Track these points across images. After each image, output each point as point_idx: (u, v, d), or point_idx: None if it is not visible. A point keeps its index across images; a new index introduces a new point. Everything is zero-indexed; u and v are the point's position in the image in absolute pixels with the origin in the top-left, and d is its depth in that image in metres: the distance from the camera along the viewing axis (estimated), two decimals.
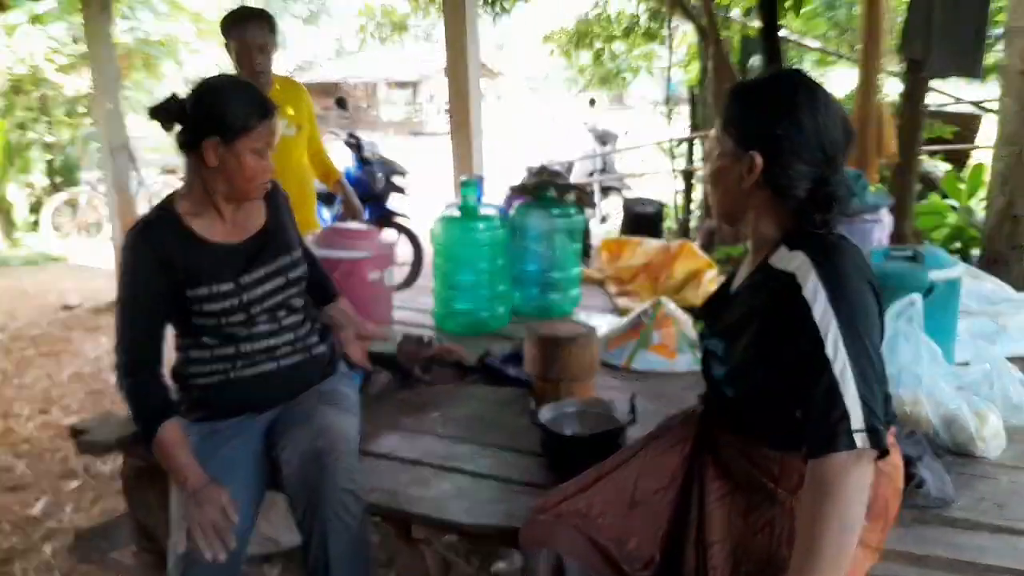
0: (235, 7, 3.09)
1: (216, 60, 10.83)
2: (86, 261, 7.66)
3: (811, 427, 1.21)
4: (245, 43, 2.89)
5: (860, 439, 1.16)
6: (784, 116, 1.30)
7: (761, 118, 1.33)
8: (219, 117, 1.72)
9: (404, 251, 5.09)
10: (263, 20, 2.95)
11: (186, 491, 1.69)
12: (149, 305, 1.77)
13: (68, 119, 9.59)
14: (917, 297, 2.08)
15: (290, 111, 3.08)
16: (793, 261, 1.28)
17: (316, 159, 3.29)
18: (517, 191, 3.48)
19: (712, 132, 1.45)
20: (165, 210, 1.82)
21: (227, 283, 1.80)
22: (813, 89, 1.33)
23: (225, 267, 1.81)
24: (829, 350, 1.19)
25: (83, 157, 9.55)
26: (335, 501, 1.67)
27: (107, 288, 6.36)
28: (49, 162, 9.45)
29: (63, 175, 9.64)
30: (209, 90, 1.77)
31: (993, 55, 5.02)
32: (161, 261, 1.75)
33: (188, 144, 1.76)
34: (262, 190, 1.84)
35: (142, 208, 8.50)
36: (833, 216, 1.31)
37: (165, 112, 1.77)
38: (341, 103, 5.66)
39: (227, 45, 2.95)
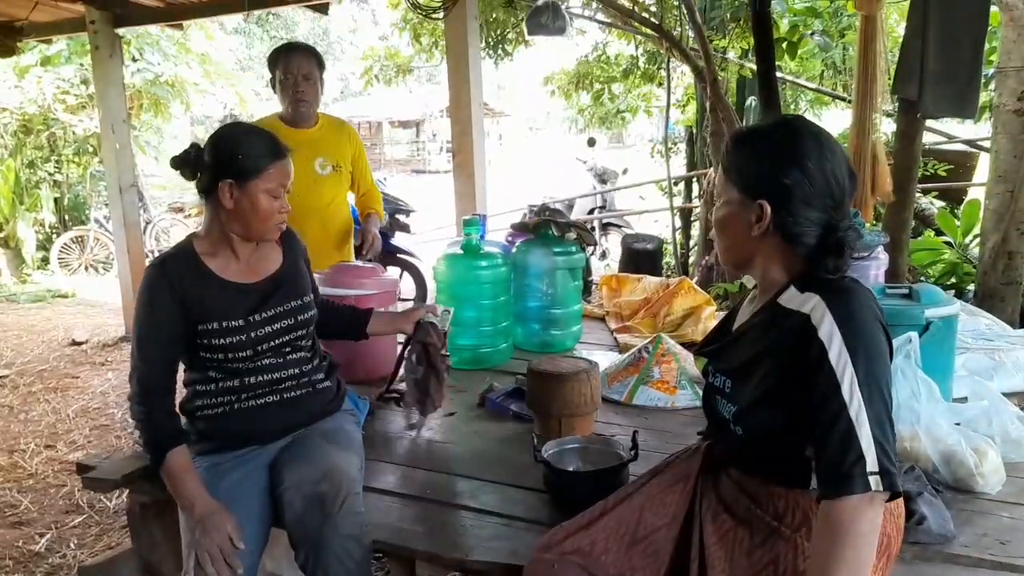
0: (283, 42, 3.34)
1: (224, 100, 10.99)
2: (94, 298, 7.72)
3: (826, 469, 1.22)
4: (290, 70, 3.00)
5: (874, 482, 1.18)
6: (791, 165, 1.32)
7: (768, 167, 1.34)
8: (232, 160, 1.82)
9: (408, 287, 5.15)
10: (309, 51, 3.10)
11: (193, 518, 1.72)
12: (163, 337, 1.83)
13: (76, 158, 9.73)
14: (914, 334, 2.12)
15: (328, 151, 3.19)
16: (807, 303, 1.30)
17: (365, 198, 3.41)
18: (519, 229, 3.53)
19: (715, 176, 1.48)
20: (183, 249, 1.91)
21: (237, 320, 1.86)
22: (818, 135, 1.35)
23: (237, 305, 1.87)
24: (845, 392, 1.21)
25: (91, 195, 9.67)
26: (339, 547, 1.69)
27: (115, 324, 6.41)
28: (57, 200, 9.56)
29: (72, 213, 9.77)
30: (224, 135, 1.88)
31: (986, 94, 5.10)
32: (176, 295, 1.82)
33: (206, 188, 1.86)
34: (277, 231, 1.91)
35: (149, 245, 8.61)
36: (846, 261, 1.33)
37: (184, 161, 1.88)
38: None
39: (272, 78, 3.06)
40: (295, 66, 3.01)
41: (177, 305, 1.82)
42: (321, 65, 3.12)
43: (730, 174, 1.40)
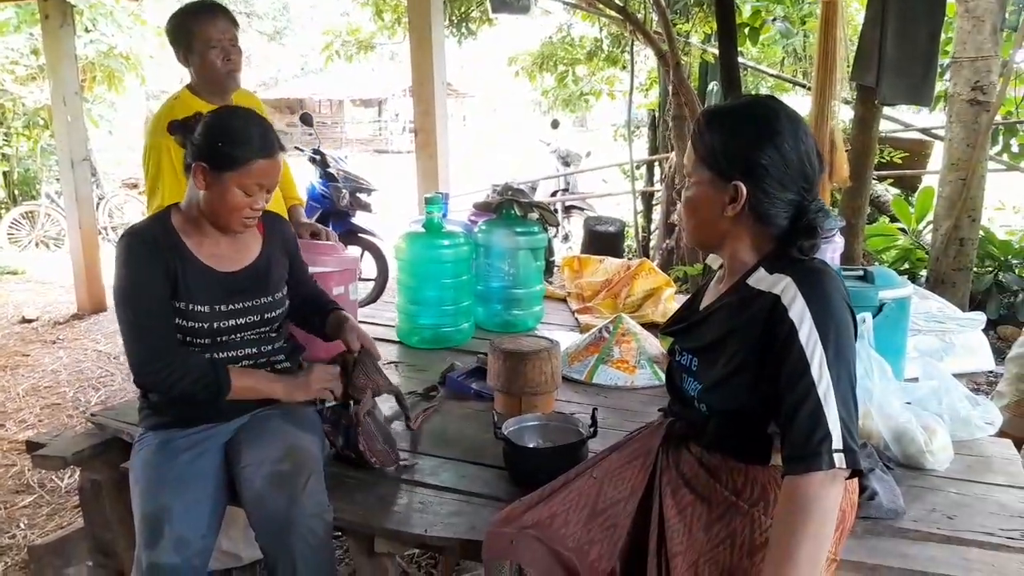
0: (186, 3, 2.65)
1: (180, 74, 10.75)
2: (45, 275, 7.52)
3: (793, 446, 1.24)
4: (216, 36, 2.53)
5: (839, 459, 1.20)
6: (768, 144, 1.31)
7: (743, 146, 1.33)
8: (213, 146, 1.76)
9: (369, 267, 5.10)
10: (227, 12, 2.62)
11: (288, 393, 1.90)
12: (155, 296, 1.78)
13: (27, 131, 9.45)
14: (868, 315, 2.16)
15: None
16: (778, 284, 1.31)
17: (282, 182, 3.06)
18: (481, 208, 3.52)
19: (679, 158, 1.47)
20: (160, 219, 1.87)
21: (202, 306, 1.82)
22: (793, 116, 1.35)
23: (205, 290, 1.83)
24: (815, 372, 1.23)
25: (42, 170, 9.42)
26: (303, 527, 1.67)
27: (66, 302, 6.27)
28: (6, 174, 9.30)
29: (22, 188, 9.51)
30: (218, 118, 1.82)
31: (941, 84, 5.20)
32: (156, 258, 1.78)
33: (186, 164, 1.82)
34: (242, 226, 1.86)
35: (102, 221, 8.42)
36: (818, 242, 1.34)
37: (182, 127, 1.84)
38: (306, 119, 5.65)
39: (187, 46, 2.56)
40: (221, 30, 2.54)
41: (159, 268, 1.78)
42: (236, 24, 2.66)
43: (701, 153, 1.38)
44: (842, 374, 1.24)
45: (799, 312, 1.26)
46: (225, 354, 1.88)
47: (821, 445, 1.21)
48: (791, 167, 1.32)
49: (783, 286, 1.30)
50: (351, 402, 1.97)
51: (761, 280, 1.35)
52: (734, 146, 1.35)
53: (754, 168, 1.32)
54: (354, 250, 4.68)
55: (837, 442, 1.21)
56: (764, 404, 1.32)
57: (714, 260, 1.64)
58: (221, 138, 1.76)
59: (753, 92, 7.90)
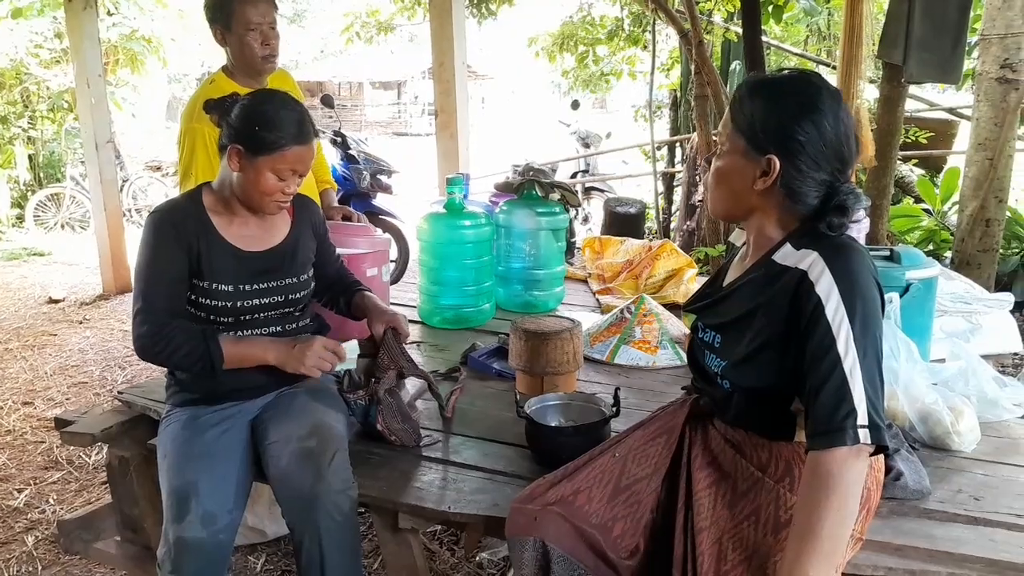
0: None
1: (202, 59, 10.80)
2: (71, 256, 7.62)
3: (818, 421, 1.23)
4: (255, 19, 2.49)
5: (864, 434, 1.20)
6: (808, 120, 1.29)
7: (782, 120, 1.31)
8: (251, 130, 1.77)
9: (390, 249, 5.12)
10: None
11: (281, 361, 1.85)
12: (171, 279, 1.80)
13: (51, 114, 9.54)
14: (894, 295, 2.14)
15: None
16: (804, 259, 1.30)
17: (314, 164, 2.98)
18: (502, 189, 3.51)
19: (720, 126, 1.44)
20: (191, 198, 1.89)
21: (227, 285, 1.84)
22: (835, 95, 1.33)
23: (230, 270, 1.85)
24: (841, 348, 1.22)
25: (67, 153, 9.51)
26: (328, 503, 1.69)
27: (92, 283, 6.35)
28: (32, 157, 9.39)
29: (47, 170, 9.61)
30: (256, 101, 1.83)
31: (969, 62, 5.12)
32: (180, 240, 1.80)
33: (222, 144, 1.83)
34: (275, 209, 1.87)
35: (126, 204, 8.50)
36: (847, 221, 1.32)
37: (219, 105, 1.85)
38: (327, 101, 5.66)
39: (224, 25, 2.52)
40: (261, 13, 2.50)
41: (181, 250, 1.80)
42: (276, 7, 2.62)
43: (739, 123, 1.36)
44: (868, 350, 1.24)
45: (826, 287, 1.26)
46: (249, 332, 1.90)
47: (846, 420, 1.20)
48: (828, 146, 1.31)
49: (810, 261, 1.29)
50: (372, 380, 1.98)
51: (787, 256, 1.34)
52: (773, 119, 1.32)
53: (790, 143, 1.30)
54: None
55: (862, 418, 1.21)
56: (788, 381, 1.32)
57: (738, 237, 1.63)
58: (258, 122, 1.77)
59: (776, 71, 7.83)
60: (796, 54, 7.57)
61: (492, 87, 33.53)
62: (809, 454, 1.24)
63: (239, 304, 1.86)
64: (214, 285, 1.83)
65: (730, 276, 1.51)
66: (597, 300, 3.35)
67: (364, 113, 30.26)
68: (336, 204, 2.98)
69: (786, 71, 1.41)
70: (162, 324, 1.78)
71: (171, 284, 1.81)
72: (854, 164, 1.36)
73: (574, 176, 8.69)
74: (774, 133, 1.32)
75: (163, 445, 1.83)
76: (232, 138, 1.79)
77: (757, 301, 1.37)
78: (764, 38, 5.61)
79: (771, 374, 1.34)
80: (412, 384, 2.15)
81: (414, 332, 2.92)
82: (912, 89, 4.57)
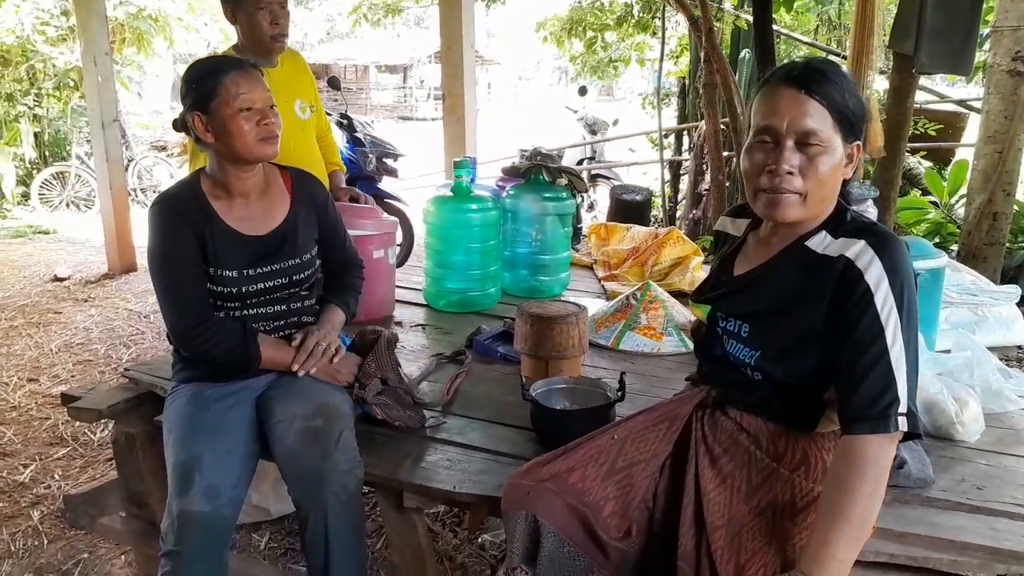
0: None
1: (208, 38, 10.76)
2: (76, 235, 7.63)
3: (860, 407, 1.24)
4: (264, 0, 2.50)
5: (903, 422, 1.23)
6: (863, 111, 1.33)
7: (859, 107, 1.33)
8: (189, 90, 1.78)
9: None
10: None
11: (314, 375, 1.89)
12: (189, 261, 1.81)
13: (57, 92, 9.52)
14: None
15: (301, 90, 2.76)
16: (849, 247, 1.31)
17: (322, 142, 2.96)
18: (509, 173, 3.50)
19: (803, 120, 1.29)
20: (189, 185, 1.89)
21: (231, 271, 1.85)
22: None
23: (233, 255, 1.85)
24: (889, 337, 1.24)
25: (72, 131, 9.50)
26: (335, 482, 1.70)
27: (97, 261, 6.37)
28: (37, 135, 9.39)
29: (52, 149, 9.61)
30: (185, 71, 1.84)
31: (980, 54, 5.08)
32: (187, 226, 1.81)
33: (185, 127, 1.83)
34: (267, 146, 1.82)
35: (132, 183, 8.50)
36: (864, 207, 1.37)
37: (178, 121, 1.87)
38: (333, 83, 5.64)
39: (235, 3, 2.53)
40: None
41: (191, 235, 1.81)
42: None
43: (830, 107, 1.29)
44: (911, 339, 1.26)
45: (876, 277, 1.26)
46: (255, 312, 1.90)
47: (889, 408, 1.22)
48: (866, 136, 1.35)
49: (857, 250, 1.30)
50: (356, 384, 1.97)
51: (826, 244, 1.34)
52: (856, 103, 1.32)
53: (862, 127, 1.33)
54: None
55: (903, 406, 1.23)
56: (826, 370, 1.32)
57: (732, 227, 1.61)
58: (191, 79, 1.79)
59: (785, 61, 7.79)
60: (806, 43, 7.52)
61: (498, 73, 33.42)
62: (844, 438, 1.25)
63: (244, 288, 1.86)
64: (220, 271, 1.83)
65: (743, 265, 1.50)
66: (602, 286, 3.35)
67: (369, 96, 30.17)
68: (343, 185, 2.98)
69: (821, 59, 1.43)
70: (202, 316, 1.81)
71: (193, 266, 1.82)
72: None
73: (580, 163, 8.67)
74: (858, 120, 1.33)
75: (168, 420, 1.85)
76: (186, 110, 1.80)
77: (794, 289, 1.37)
78: (774, 27, 5.57)
79: (811, 364, 1.35)
80: (414, 367, 2.15)
81: (419, 315, 2.93)
82: (922, 81, 4.54)
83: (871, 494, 1.21)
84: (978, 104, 5.08)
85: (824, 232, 1.36)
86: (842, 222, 1.36)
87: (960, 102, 7.29)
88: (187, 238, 1.80)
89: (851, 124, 1.32)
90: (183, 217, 1.81)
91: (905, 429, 1.22)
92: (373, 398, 1.94)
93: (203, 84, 1.77)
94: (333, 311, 2.04)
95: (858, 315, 1.26)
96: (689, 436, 1.51)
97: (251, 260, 1.87)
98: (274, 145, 1.83)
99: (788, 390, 1.39)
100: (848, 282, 1.28)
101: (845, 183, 1.37)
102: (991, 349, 2.29)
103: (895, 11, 3.83)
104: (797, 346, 1.35)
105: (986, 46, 4.83)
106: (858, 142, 1.33)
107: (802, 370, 1.36)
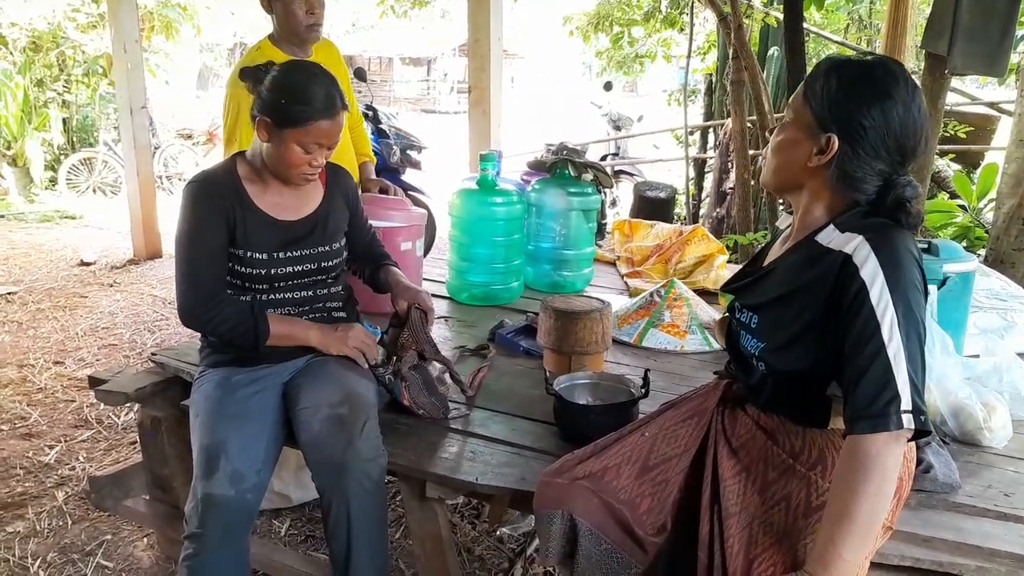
0: None
1: (235, 28, 10.82)
2: (102, 220, 7.71)
3: (861, 405, 1.22)
4: None
5: (907, 419, 1.20)
6: (876, 107, 1.29)
7: (852, 101, 1.31)
8: (277, 102, 1.79)
9: None
10: None
11: (323, 343, 1.92)
12: (213, 246, 1.84)
13: (86, 79, 9.61)
14: (932, 288, 2.11)
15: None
16: (849, 242, 1.29)
17: (353, 133, 2.93)
18: (534, 167, 3.50)
19: (790, 99, 1.40)
20: (225, 168, 1.91)
21: (261, 253, 1.87)
22: (912, 86, 1.31)
23: (264, 238, 1.87)
24: (885, 332, 1.22)
25: (100, 117, 9.59)
26: (358, 471, 1.71)
27: (123, 247, 6.43)
28: (66, 120, 9.48)
29: (80, 134, 9.70)
30: (286, 73, 1.84)
31: (1014, 55, 5.01)
32: (218, 209, 1.83)
33: (253, 115, 1.84)
34: (302, 181, 1.89)
35: (158, 171, 8.57)
36: (913, 216, 1.30)
37: (252, 75, 1.86)
38: (360, 74, 5.64)
39: None
40: None
41: (220, 218, 1.83)
42: None
43: (810, 98, 1.35)
44: (911, 334, 1.23)
45: (871, 271, 1.24)
46: (281, 296, 1.93)
47: (889, 406, 1.20)
48: (891, 136, 1.29)
49: (855, 245, 1.28)
50: (395, 357, 1.99)
51: (831, 238, 1.33)
52: (843, 99, 1.31)
53: (854, 126, 1.30)
54: None
55: (906, 403, 1.20)
56: (826, 365, 1.31)
57: (783, 222, 1.62)
58: (284, 95, 1.79)
59: (814, 60, 7.72)
60: (836, 42, 7.44)
61: (522, 67, 33.36)
62: (848, 437, 1.23)
63: (273, 271, 1.88)
64: (249, 253, 1.85)
65: (771, 256, 1.50)
66: (626, 283, 3.34)
67: (393, 89, 30.23)
68: (373, 177, 2.99)
69: (871, 56, 1.40)
70: (211, 295, 1.83)
71: (214, 252, 1.84)
72: (918, 160, 1.35)
73: (604, 159, 8.64)
74: (841, 113, 1.31)
75: (195, 404, 1.87)
76: (261, 109, 1.81)
77: (797, 283, 1.36)
78: (804, 25, 5.52)
79: (810, 358, 1.34)
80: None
81: (442, 307, 2.94)
82: (952, 82, 4.48)
83: (876, 493, 1.19)
84: (1010, 107, 5.01)
85: (832, 226, 1.35)
86: (852, 217, 1.34)
87: (991, 104, 7.18)
88: (215, 221, 1.83)
89: (822, 113, 1.33)
90: (216, 201, 1.83)
91: (911, 427, 1.20)
92: (407, 371, 1.95)
93: (293, 107, 1.78)
94: (393, 271, 2.14)
95: (854, 312, 1.25)
96: (711, 428, 1.51)
97: (281, 244, 1.89)
98: (308, 183, 1.92)
99: (790, 384, 1.38)
100: (844, 277, 1.27)
101: (892, 186, 1.32)
102: (1020, 355, 2.26)
103: (928, 11, 3.78)
104: (797, 339, 1.34)
105: (1020, 47, 4.76)
106: (830, 135, 1.31)
107: (801, 364, 1.35)
